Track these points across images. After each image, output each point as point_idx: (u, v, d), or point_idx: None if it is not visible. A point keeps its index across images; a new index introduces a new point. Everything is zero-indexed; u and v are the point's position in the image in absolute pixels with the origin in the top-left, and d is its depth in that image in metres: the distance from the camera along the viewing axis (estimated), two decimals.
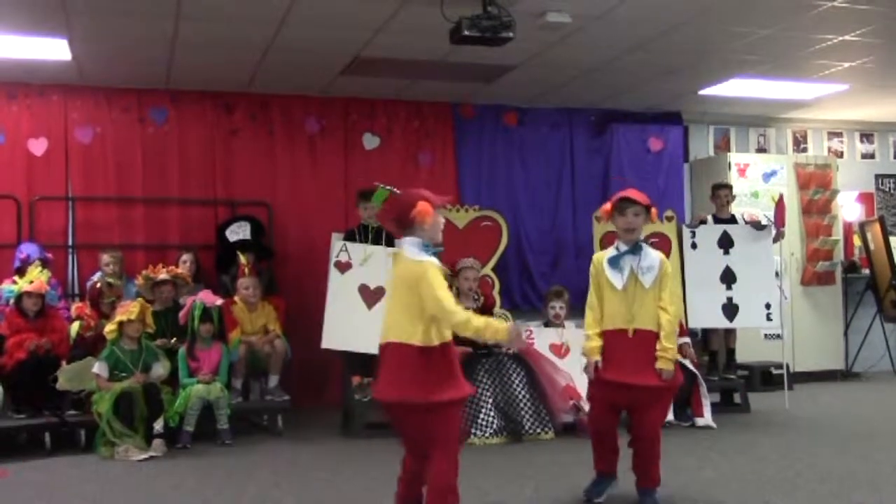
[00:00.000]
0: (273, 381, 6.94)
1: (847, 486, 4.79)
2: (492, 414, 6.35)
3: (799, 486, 4.83)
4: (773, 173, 9.55)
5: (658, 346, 4.35)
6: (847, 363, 9.83)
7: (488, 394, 6.41)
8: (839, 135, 10.55)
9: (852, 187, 10.31)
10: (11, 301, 6.50)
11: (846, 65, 7.81)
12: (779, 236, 7.76)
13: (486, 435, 6.28)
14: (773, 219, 7.81)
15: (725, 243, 7.76)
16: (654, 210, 4.55)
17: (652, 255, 4.47)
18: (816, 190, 9.57)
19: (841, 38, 7.01)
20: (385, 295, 3.96)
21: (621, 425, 4.56)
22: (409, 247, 3.71)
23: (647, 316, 4.38)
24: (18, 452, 6.13)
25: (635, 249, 4.45)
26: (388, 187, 3.90)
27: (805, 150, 10.33)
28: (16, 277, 6.73)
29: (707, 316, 7.67)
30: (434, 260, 3.71)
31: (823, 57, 7.54)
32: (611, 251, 4.53)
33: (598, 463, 4.59)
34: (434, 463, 3.57)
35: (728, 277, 7.69)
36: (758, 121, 10.13)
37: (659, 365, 4.33)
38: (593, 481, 4.60)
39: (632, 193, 4.52)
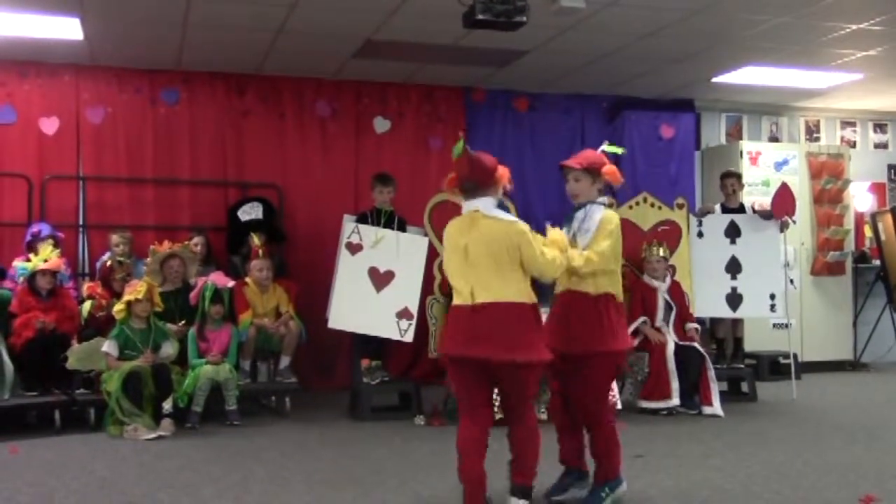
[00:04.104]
0: (284, 361, 6.97)
1: (854, 477, 4.79)
2: None
3: (806, 476, 4.83)
4: (785, 162, 9.51)
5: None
6: (856, 354, 9.81)
7: None
8: (852, 124, 10.49)
9: (864, 177, 10.25)
10: (23, 279, 6.53)
11: (861, 54, 7.76)
12: (783, 225, 7.72)
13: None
14: (770, 206, 7.77)
15: (732, 233, 7.74)
16: (606, 170, 4.17)
17: (594, 217, 4.12)
18: (828, 179, 9.53)
19: (856, 27, 6.96)
20: (448, 257, 3.94)
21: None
22: (489, 206, 3.82)
23: (575, 276, 4.11)
24: (29, 430, 6.19)
25: (580, 209, 4.20)
26: (467, 146, 3.81)
27: (818, 139, 10.28)
28: (31, 255, 6.74)
29: (711, 305, 7.66)
30: (519, 220, 3.85)
31: (838, 46, 7.49)
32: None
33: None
34: (524, 416, 3.88)
35: (733, 267, 7.68)
36: (770, 109, 10.07)
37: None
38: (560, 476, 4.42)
39: (571, 159, 4.24)
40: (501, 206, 3.90)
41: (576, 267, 4.02)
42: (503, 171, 3.88)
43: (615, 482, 4.22)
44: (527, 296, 3.82)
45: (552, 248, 3.94)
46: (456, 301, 3.89)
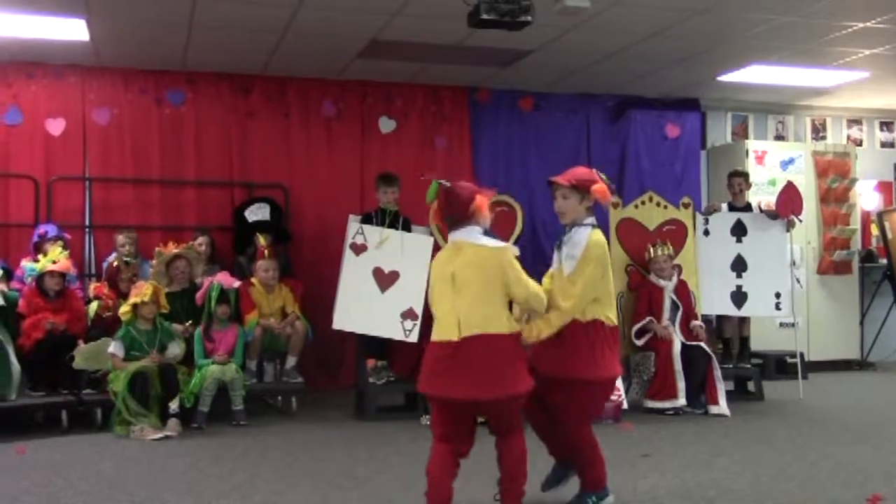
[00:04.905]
0: (291, 361, 6.98)
1: (861, 477, 4.77)
2: None
3: (813, 476, 4.82)
4: (791, 161, 9.49)
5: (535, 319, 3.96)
6: (862, 353, 9.79)
7: None
8: (859, 123, 10.46)
9: (871, 176, 10.23)
10: (31, 280, 6.54)
11: (867, 52, 7.74)
12: (789, 224, 7.70)
13: None
14: (775, 206, 7.74)
15: (738, 231, 7.73)
16: (596, 188, 4.03)
17: (580, 243, 3.98)
18: (834, 178, 9.51)
19: (862, 25, 6.94)
20: (435, 287, 3.85)
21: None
22: (473, 235, 3.78)
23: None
24: (36, 430, 6.20)
25: (567, 233, 4.08)
26: (441, 180, 3.79)
27: (824, 137, 10.26)
28: (39, 256, 6.76)
29: (716, 303, 7.65)
30: (508, 245, 3.83)
31: (844, 44, 7.47)
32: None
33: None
34: (513, 440, 3.83)
35: (739, 265, 7.67)
36: (776, 108, 10.05)
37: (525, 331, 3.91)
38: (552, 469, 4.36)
39: (560, 176, 4.11)
40: (488, 233, 3.83)
41: (567, 310, 3.93)
42: (481, 201, 3.79)
43: (602, 493, 4.14)
44: (510, 325, 3.75)
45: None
46: (436, 336, 3.77)
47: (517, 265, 3.79)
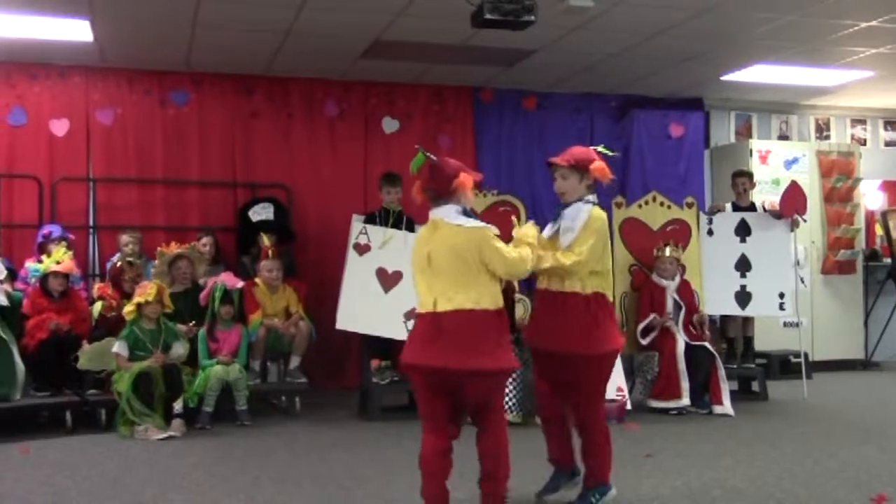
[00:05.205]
0: (295, 362, 6.98)
1: (866, 477, 4.76)
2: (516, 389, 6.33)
3: (817, 476, 4.82)
4: (795, 161, 9.47)
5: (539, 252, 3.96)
6: (867, 353, 9.77)
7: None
8: (863, 122, 10.44)
9: (875, 175, 10.20)
10: (35, 280, 6.55)
11: (871, 51, 7.72)
12: (793, 224, 7.69)
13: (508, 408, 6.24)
14: (779, 205, 7.73)
15: (742, 231, 7.72)
16: (595, 167, 4.09)
17: (580, 217, 4.04)
18: (839, 178, 9.49)
19: (866, 24, 6.93)
20: (415, 267, 3.81)
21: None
22: (451, 213, 3.71)
23: (555, 275, 4.06)
24: (40, 430, 6.21)
25: (566, 207, 4.12)
26: (428, 153, 3.76)
27: (828, 137, 10.24)
28: (43, 257, 6.77)
29: (720, 303, 7.64)
30: (487, 224, 3.75)
31: (848, 43, 7.46)
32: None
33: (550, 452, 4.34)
34: (493, 425, 3.71)
35: (743, 265, 7.66)
36: (780, 107, 10.03)
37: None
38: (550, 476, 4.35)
39: (559, 157, 4.18)
40: (466, 212, 3.75)
41: (567, 266, 3.96)
42: (465, 179, 3.71)
43: (605, 488, 4.14)
44: (491, 301, 3.67)
45: (521, 245, 3.86)
46: (418, 309, 3.79)
47: (495, 241, 3.69)
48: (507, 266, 3.71)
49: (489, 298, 3.67)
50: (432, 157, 3.78)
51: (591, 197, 4.14)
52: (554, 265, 3.99)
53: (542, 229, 4.16)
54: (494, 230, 3.75)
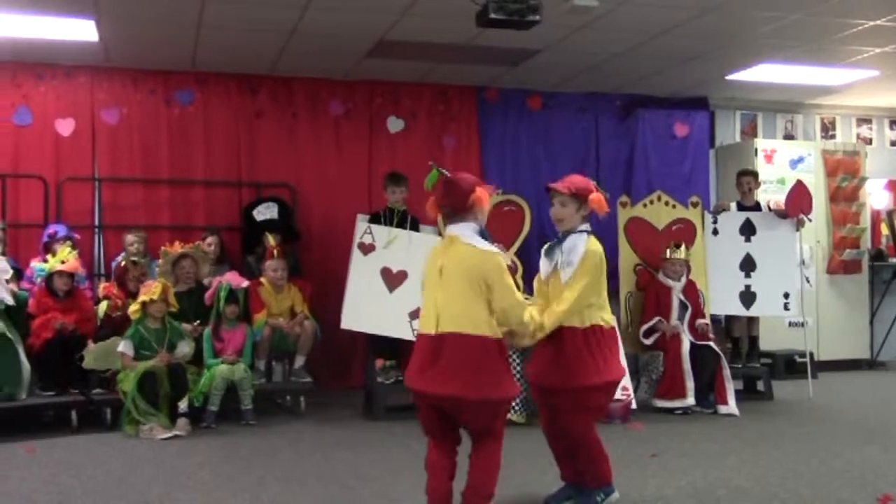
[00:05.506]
0: (300, 361, 6.99)
1: (872, 477, 4.76)
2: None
3: (822, 476, 4.81)
4: (801, 160, 9.46)
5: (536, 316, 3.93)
6: (872, 352, 9.75)
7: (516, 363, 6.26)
8: (868, 121, 10.42)
9: (881, 175, 10.18)
10: (40, 280, 6.56)
11: (877, 50, 7.71)
12: (798, 224, 7.67)
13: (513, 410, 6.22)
14: (784, 205, 7.72)
15: (747, 231, 7.71)
16: (593, 198, 4.06)
17: (578, 250, 4.02)
18: (844, 177, 9.48)
19: (872, 24, 6.91)
20: (427, 278, 3.80)
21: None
22: (467, 232, 3.68)
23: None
24: (46, 430, 6.22)
25: (564, 240, 4.10)
26: (442, 169, 3.72)
27: (833, 136, 10.22)
28: (48, 256, 6.78)
29: (725, 303, 7.64)
30: (499, 250, 3.71)
31: (853, 42, 7.44)
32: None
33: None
34: (489, 445, 3.68)
35: (748, 265, 7.66)
36: (785, 107, 10.02)
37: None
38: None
39: (559, 183, 4.12)
40: (483, 234, 3.72)
41: (568, 311, 3.95)
42: (481, 194, 3.68)
43: (608, 489, 4.15)
44: (491, 329, 3.62)
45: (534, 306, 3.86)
46: (420, 329, 3.74)
47: (504, 273, 3.66)
48: (505, 304, 3.63)
49: (490, 325, 3.63)
50: (446, 172, 3.73)
51: (585, 226, 4.14)
52: (556, 322, 3.98)
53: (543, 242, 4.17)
54: (508, 259, 3.72)
